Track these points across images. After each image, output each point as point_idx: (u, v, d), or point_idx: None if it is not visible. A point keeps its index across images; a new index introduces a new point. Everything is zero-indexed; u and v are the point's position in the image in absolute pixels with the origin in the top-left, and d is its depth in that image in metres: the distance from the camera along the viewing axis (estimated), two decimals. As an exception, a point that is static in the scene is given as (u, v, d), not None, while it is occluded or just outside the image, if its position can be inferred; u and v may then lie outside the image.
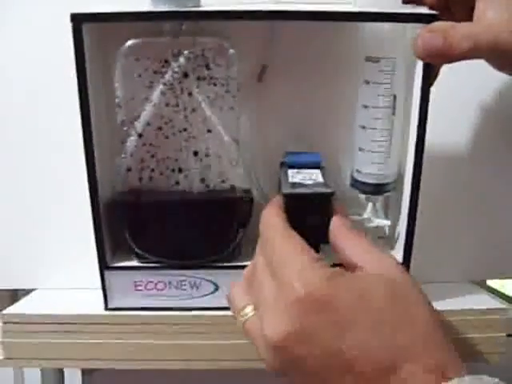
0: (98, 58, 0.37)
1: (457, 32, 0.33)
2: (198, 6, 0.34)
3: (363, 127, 0.40)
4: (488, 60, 0.36)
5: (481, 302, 0.45)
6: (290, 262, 0.29)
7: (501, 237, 0.48)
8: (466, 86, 0.44)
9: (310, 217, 0.37)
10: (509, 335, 0.44)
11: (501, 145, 0.46)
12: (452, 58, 0.34)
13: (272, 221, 0.33)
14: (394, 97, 0.38)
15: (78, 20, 0.33)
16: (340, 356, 0.26)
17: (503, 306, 0.44)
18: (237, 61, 0.36)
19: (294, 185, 0.37)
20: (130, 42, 0.35)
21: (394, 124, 0.39)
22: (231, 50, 0.35)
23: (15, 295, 0.48)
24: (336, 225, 0.34)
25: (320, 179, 0.38)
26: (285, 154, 0.41)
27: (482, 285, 0.50)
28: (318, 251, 0.40)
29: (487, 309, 0.44)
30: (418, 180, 0.39)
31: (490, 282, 0.53)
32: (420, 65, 0.36)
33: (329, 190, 0.36)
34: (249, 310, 0.31)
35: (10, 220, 0.46)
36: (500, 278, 0.52)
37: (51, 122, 0.43)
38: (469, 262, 0.49)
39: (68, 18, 0.34)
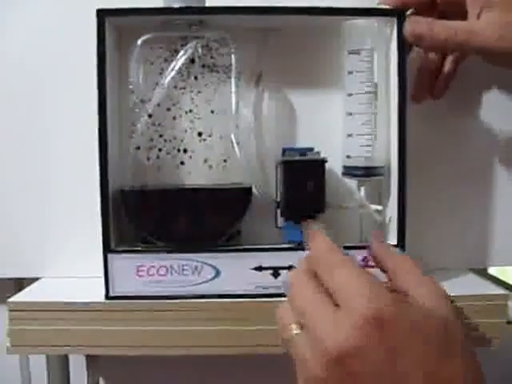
0: (115, 49, 0.45)
1: (440, 22, 0.43)
2: (204, 4, 0.43)
3: (350, 114, 0.47)
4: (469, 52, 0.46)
5: (481, 288, 0.49)
6: (354, 284, 0.32)
7: (502, 224, 0.53)
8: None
9: (306, 183, 0.43)
10: (509, 322, 0.47)
11: (502, 132, 0.53)
12: (435, 44, 0.44)
13: (324, 246, 0.36)
14: (376, 84, 0.46)
15: (101, 14, 0.42)
16: (387, 380, 0.30)
17: (504, 292, 0.47)
18: (237, 52, 0.44)
19: (290, 156, 0.44)
20: (146, 36, 0.44)
21: (377, 109, 0.46)
22: (232, 43, 0.44)
23: (21, 283, 0.52)
24: (381, 247, 0.39)
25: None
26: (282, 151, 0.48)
27: (483, 273, 0.54)
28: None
29: (488, 294, 0.47)
30: (404, 163, 0.46)
31: (491, 270, 0.57)
32: (395, 55, 0.45)
33: (322, 157, 0.43)
34: (294, 327, 0.34)
35: (15, 210, 0.51)
36: (501, 266, 0.56)
37: (61, 110, 0.50)
38: (470, 249, 0.54)
39: (86, 12, 0.42)
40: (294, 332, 0.33)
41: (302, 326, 0.33)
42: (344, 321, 0.30)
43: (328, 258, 0.34)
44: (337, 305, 0.32)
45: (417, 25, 0.44)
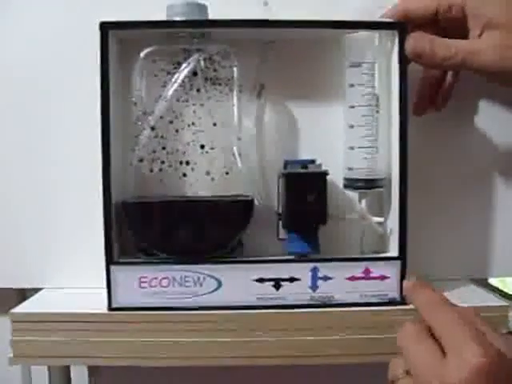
0: (117, 61, 0.45)
1: (440, 40, 0.43)
2: (206, 17, 0.43)
3: (351, 126, 0.47)
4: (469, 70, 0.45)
5: (481, 299, 0.49)
6: (460, 333, 0.33)
7: (502, 235, 0.53)
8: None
9: (308, 195, 0.43)
10: (509, 333, 0.47)
11: (502, 143, 0.53)
12: (435, 62, 0.44)
13: (426, 295, 0.38)
14: (377, 97, 0.46)
15: (105, 27, 0.42)
16: None
17: (504, 304, 0.47)
18: (239, 65, 0.45)
19: (292, 168, 0.44)
20: (149, 49, 0.44)
21: (379, 122, 0.47)
22: (234, 56, 0.44)
23: (23, 294, 0.52)
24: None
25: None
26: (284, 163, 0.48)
27: (484, 283, 0.54)
28: (316, 234, 0.46)
29: (487, 306, 0.47)
30: (405, 174, 0.46)
31: (491, 280, 0.56)
32: (396, 68, 0.45)
33: (323, 170, 0.43)
34: (401, 372, 0.36)
35: (18, 220, 0.51)
36: (501, 276, 0.56)
37: (65, 123, 0.50)
38: (470, 259, 0.53)
39: (89, 25, 0.43)
40: (400, 376, 0.35)
41: (408, 372, 0.35)
42: (451, 369, 0.32)
43: (433, 308, 0.36)
44: (443, 352, 0.33)
45: (418, 42, 0.44)
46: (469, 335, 0.32)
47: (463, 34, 0.44)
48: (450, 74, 0.50)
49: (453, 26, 0.45)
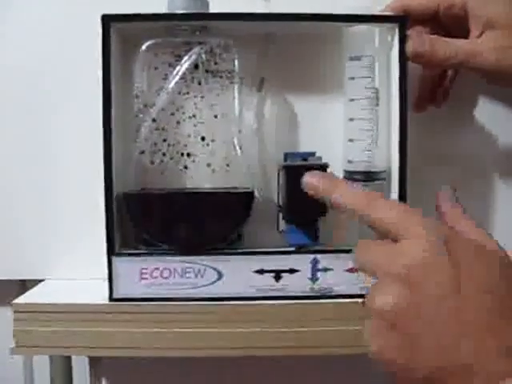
0: (119, 54, 0.46)
1: (441, 41, 0.43)
2: (207, 10, 0.44)
3: (351, 119, 0.47)
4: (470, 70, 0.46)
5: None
6: (408, 217, 0.33)
7: (501, 230, 0.53)
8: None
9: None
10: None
11: (503, 137, 0.53)
12: (435, 62, 0.44)
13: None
14: (377, 90, 0.46)
15: (107, 20, 0.42)
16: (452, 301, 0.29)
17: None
18: (240, 58, 0.45)
19: (292, 161, 0.44)
20: (150, 41, 0.44)
21: (378, 114, 0.46)
22: (235, 48, 0.44)
23: (23, 285, 0.53)
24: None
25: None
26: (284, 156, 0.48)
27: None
28: (316, 226, 0.46)
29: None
30: (404, 167, 0.46)
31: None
32: (396, 62, 0.45)
33: (323, 162, 0.43)
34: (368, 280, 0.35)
35: (19, 212, 0.52)
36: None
37: (66, 115, 0.51)
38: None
39: (91, 18, 0.43)
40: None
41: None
42: (410, 247, 0.31)
43: (372, 201, 0.35)
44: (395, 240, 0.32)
45: (418, 43, 0.44)
46: (414, 218, 0.33)
47: (464, 33, 0.44)
48: (450, 70, 0.50)
49: (454, 24, 0.45)
